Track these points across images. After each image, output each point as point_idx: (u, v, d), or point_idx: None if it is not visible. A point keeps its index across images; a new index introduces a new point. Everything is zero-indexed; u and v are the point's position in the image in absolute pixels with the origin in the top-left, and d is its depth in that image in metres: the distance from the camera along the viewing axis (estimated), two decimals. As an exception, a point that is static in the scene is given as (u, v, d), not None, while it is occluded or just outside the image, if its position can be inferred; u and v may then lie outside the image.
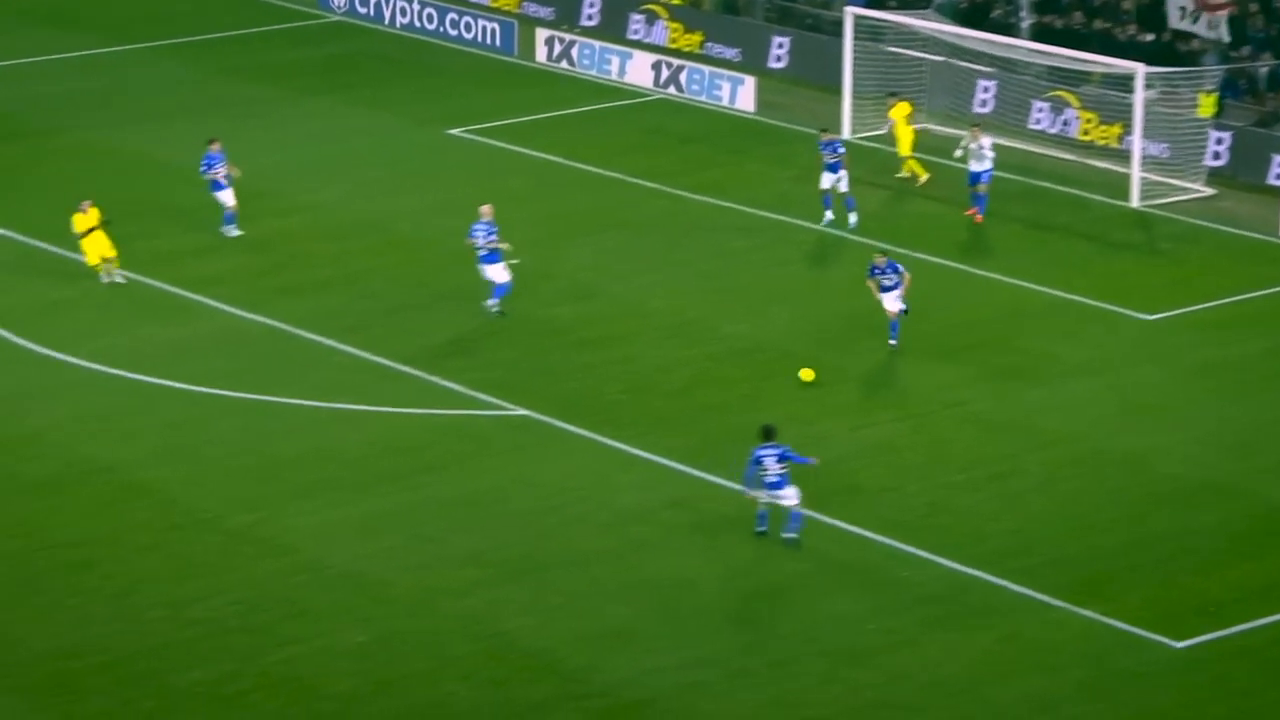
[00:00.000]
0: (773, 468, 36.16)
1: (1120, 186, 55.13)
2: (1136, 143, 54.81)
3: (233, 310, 47.01)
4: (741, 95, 62.57)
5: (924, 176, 55.47)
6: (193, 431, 41.09)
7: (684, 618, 34.58)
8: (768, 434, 36.56)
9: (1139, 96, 54.84)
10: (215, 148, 50.63)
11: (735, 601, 35.14)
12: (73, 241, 47.69)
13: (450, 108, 62.27)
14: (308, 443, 40.57)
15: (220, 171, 50.50)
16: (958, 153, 52.85)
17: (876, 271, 44.49)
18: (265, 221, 52.35)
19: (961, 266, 50.13)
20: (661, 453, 40.23)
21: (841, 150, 51.78)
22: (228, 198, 50.62)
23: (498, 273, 46.73)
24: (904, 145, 55.95)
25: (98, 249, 47.17)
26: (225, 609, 34.64)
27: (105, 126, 60.41)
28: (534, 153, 58.32)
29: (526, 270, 48.78)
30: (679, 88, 63.95)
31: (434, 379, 43.37)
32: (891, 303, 44.38)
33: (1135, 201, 54.70)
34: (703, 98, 63.38)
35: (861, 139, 58.24)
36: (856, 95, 59.25)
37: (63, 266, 49.18)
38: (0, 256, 50.18)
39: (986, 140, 52.37)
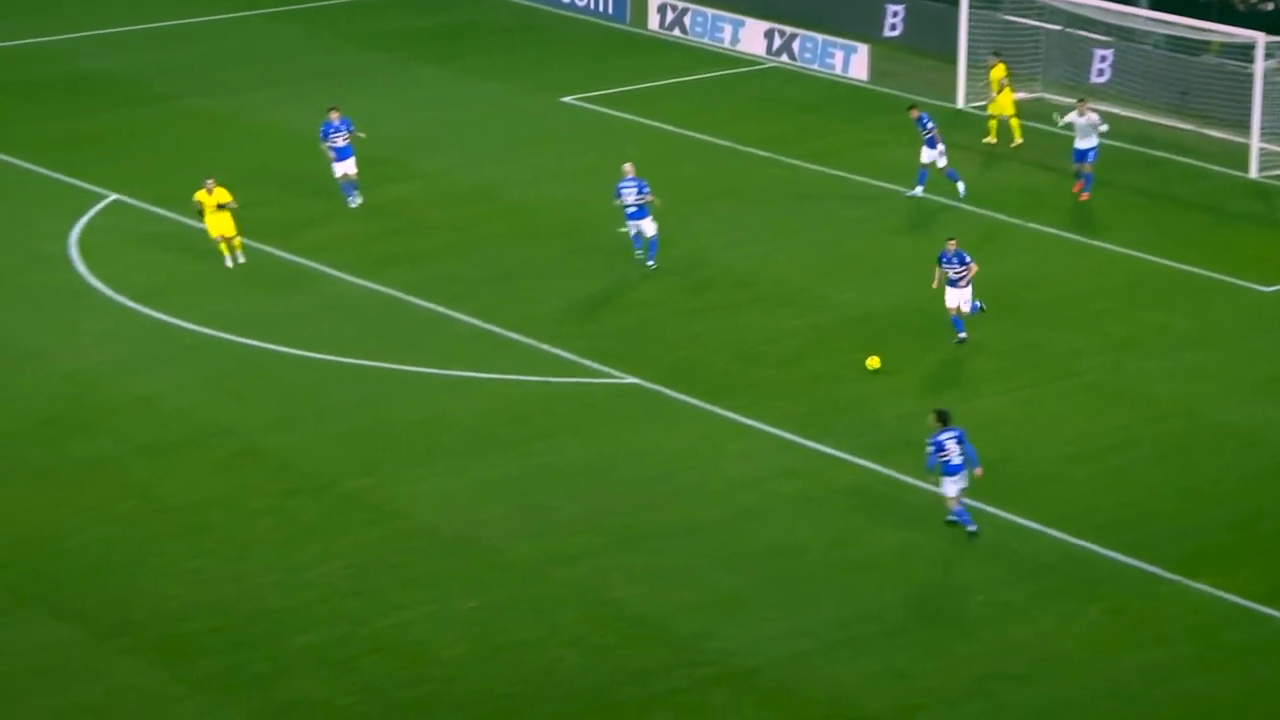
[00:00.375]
0: (954, 450, 35.49)
1: (1239, 157, 54.74)
2: (1256, 112, 54.34)
3: (348, 278, 47.30)
4: (855, 64, 62.46)
5: (1018, 139, 55.66)
6: (308, 397, 41.42)
7: (793, 586, 34.64)
8: (944, 418, 35.72)
9: (1259, 65, 54.41)
10: (334, 116, 50.83)
11: (844, 571, 35.16)
12: (192, 208, 48.01)
13: (563, 75, 62.44)
14: (421, 409, 40.81)
15: (339, 140, 50.65)
16: (1060, 120, 52.45)
17: (945, 259, 43.37)
18: (380, 188, 52.63)
19: (1076, 237, 49.90)
20: (770, 421, 40.26)
21: (931, 125, 51.63)
22: (348, 166, 50.80)
23: (648, 226, 47.29)
24: (1004, 106, 55.89)
25: (219, 227, 47.07)
26: (338, 573, 34.93)
27: (224, 93, 60.94)
28: (646, 121, 58.39)
29: (629, 238, 48.86)
30: (792, 56, 63.88)
31: (545, 347, 43.54)
32: (953, 298, 43.25)
33: (1254, 172, 54.30)
34: (815, 66, 63.31)
35: (975, 108, 58.02)
36: (971, 64, 59.01)
37: (181, 233, 49.59)
38: (120, 222, 50.64)
39: (1095, 116, 51.89)
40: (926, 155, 51.71)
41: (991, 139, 56.19)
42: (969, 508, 35.74)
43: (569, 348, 43.46)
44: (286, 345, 43.65)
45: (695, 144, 56.73)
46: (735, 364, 42.95)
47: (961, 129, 57.34)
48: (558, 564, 35.27)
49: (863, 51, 62.54)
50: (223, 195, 46.58)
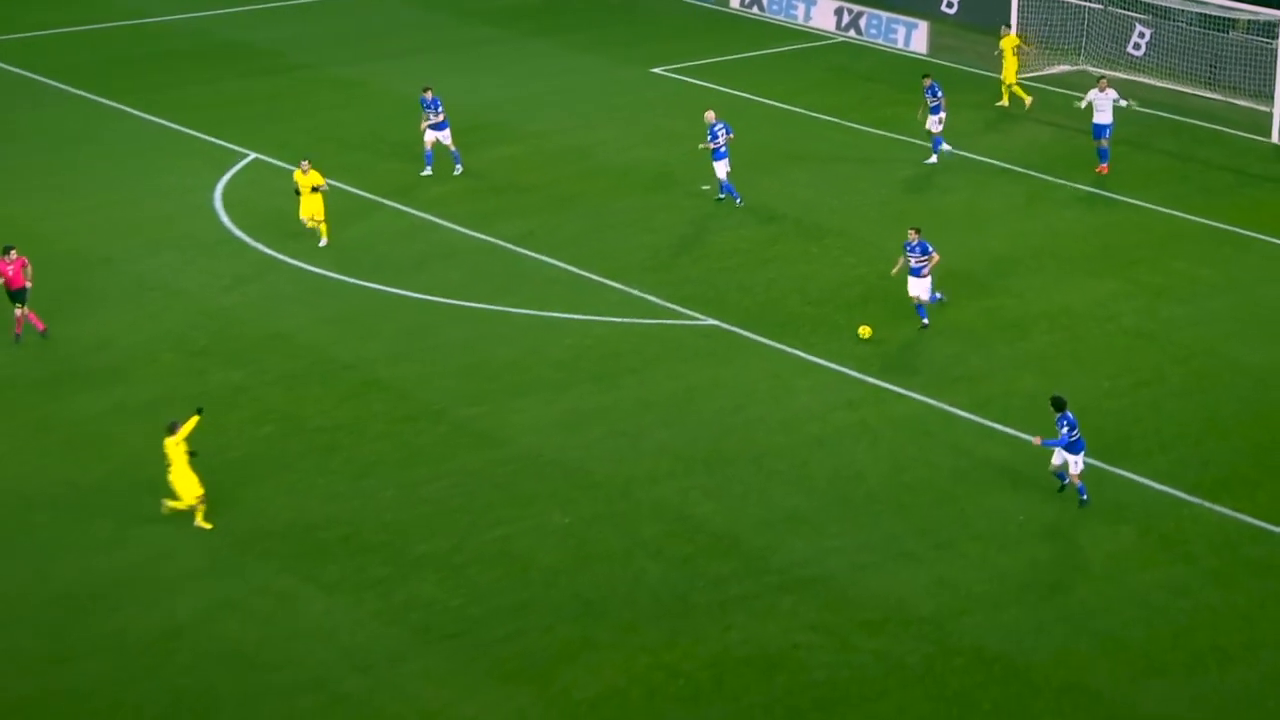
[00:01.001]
0: (1064, 433, 34.37)
1: (1262, 124, 54.38)
2: (1279, 84, 53.93)
3: (459, 229, 47.49)
4: (915, 38, 62.20)
5: (1028, 100, 55.50)
6: (424, 335, 41.65)
7: (854, 506, 34.73)
8: (1060, 404, 34.31)
9: (1281, 42, 54.12)
10: (429, 95, 50.82)
11: (900, 492, 35.21)
12: (318, 163, 48.05)
13: (654, 49, 62.39)
14: (523, 346, 41.00)
15: (435, 115, 50.43)
16: (1080, 104, 51.77)
17: (908, 248, 41.14)
18: (489, 149, 52.80)
19: (1114, 195, 49.63)
20: (834, 360, 40.28)
21: (940, 94, 51.26)
22: (444, 136, 50.72)
23: (722, 168, 47.64)
24: (1009, 73, 55.71)
25: (309, 209, 45.70)
26: (449, 491, 35.21)
27: (353, 63, 61.15)
28: (727, 89, 58.29)
29: (712, 196, 48.91)
30: (858, 31, 63.65)
31: (633, 291, 43.64)
32: (914, 287, 41.13)
33: (1275, 137, 53.93)
34: (879, 41, 63.07)
35: (1025, 79, 57.68)
36: (1022, 38, 58.62)
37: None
38: (259, 177, 50.96)
39: (1113, 93, 51.05)
40: (934, 124, 51.36)
41: (1004, 102, 56.01)
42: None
43: (655, 292, 43.56)
44: (404, 289, 43.89)
45: (770, 111, 56.63)
46: (804, 308, 42.95)
47: (1013, 98, 57.03)
48: (642, 484, 35.45)
49: (922, 28, 62.27)
50: (316, 178, 45.42)
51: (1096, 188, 49.91)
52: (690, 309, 42.75)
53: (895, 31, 62.73)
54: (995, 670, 30.06)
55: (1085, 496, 34.46)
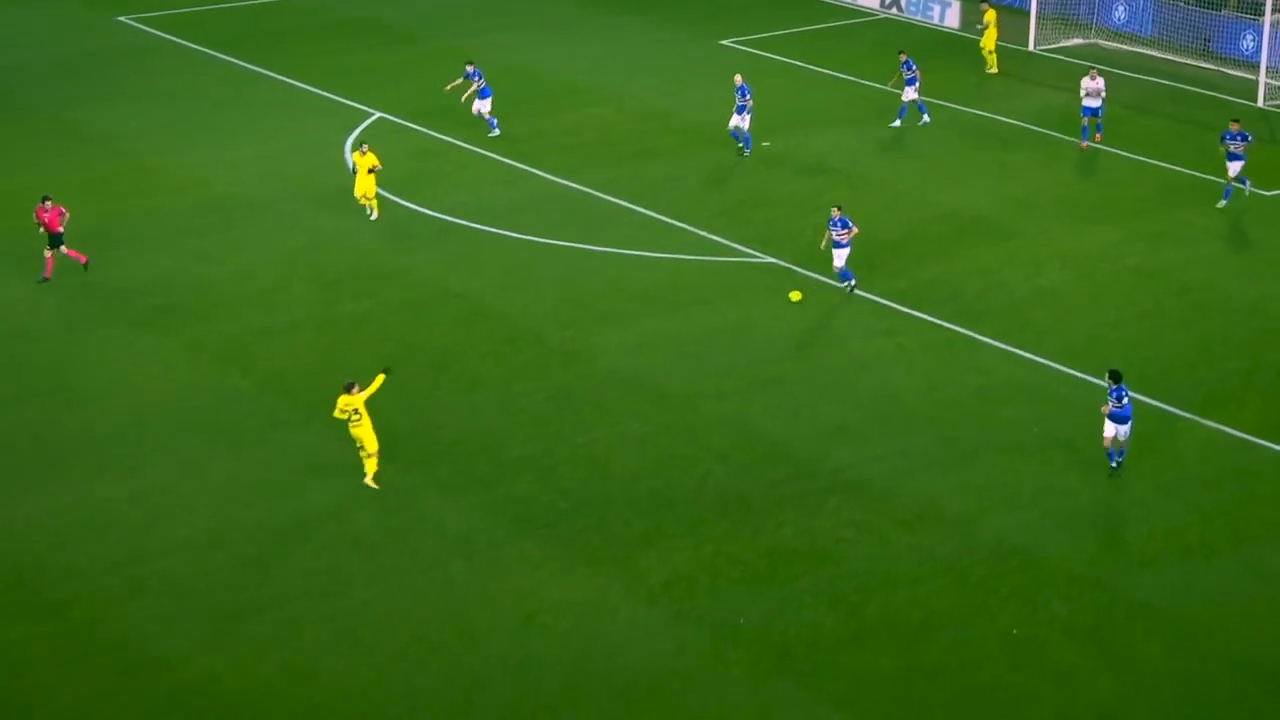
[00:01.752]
0: (1123, 401, 32.04)
1: (1249, 90, 53.49)
2: (1264, 55, 53.07)
3: (553, 178, 47.26)
4: (949, 15, 61.37)
5: (993, 69, 54.94)
6: (523, 270, 41.48)
7: (892, 419, 34.45)
8: (1117, 377, 31.94)
9: (1267, 18, 52.99)
10: (470, 68, 50.22)
11: (932, 408, 34.88)
12: (434, 121, 47.98)
13: (724, 24, 61.79)
14: (608, 280, 40.77)
15: (478, 83, 49.85)
16: (1083, 93, 49.25)
17: (831, 223, 39.29)
18: (581, 110, 52.49)
19: (1119, 151, 48.91)
20: (877, 293, 39.90)
21: (915, 68, 50.32)
22: (484, 105, 50.07)
23: (744, 121, 47.46)
24: (989, 41, 55.15)
25: (362, 187, 43.40)
26: (543, 403, 35.10)
27: (464, 36, 60.68)
28: (785, 59, 57.76)
29: (775, 151, 48.50)
30: (899, 8, 62.84)
31: (703, 233, 43.34)
32: (839, 258, 39.25)
33: (1261, 102, 53.03)
34: (918, 17, 62.24)
35: (1043, 50, 56.88)
36: (1041, 15, 57.97)
37: (428, 142, 49.75)
38: (382, 133, 50.84)
39: (1101, 81, 49.00)
40: (908, 94, 50.51)
41: (993, 69, 55.30)
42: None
43: (721, 234, 43.24)
44: (507, 230, 43.73)
45: (822, 77, 56.03)
46: (851, 248, 42.48)
47: (1032, 67, 56.34)
48: (709, 399, 35.24)
49: (955, 6, 61.41)
50: (373, 160, 43.23)
51: (1105, 146, 49.13)
52: (752, 248, 42.41)
53: (932, 9, 61.89)
54: (1013, 562, 29.77)
55: (1116, 465, 32.14)
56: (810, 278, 40.74)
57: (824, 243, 39.96)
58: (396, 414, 34.53)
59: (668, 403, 35.08)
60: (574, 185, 46.73)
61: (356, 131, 50.73)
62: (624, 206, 45.30)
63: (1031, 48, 58.17)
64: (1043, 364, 36.27)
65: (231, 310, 39.25)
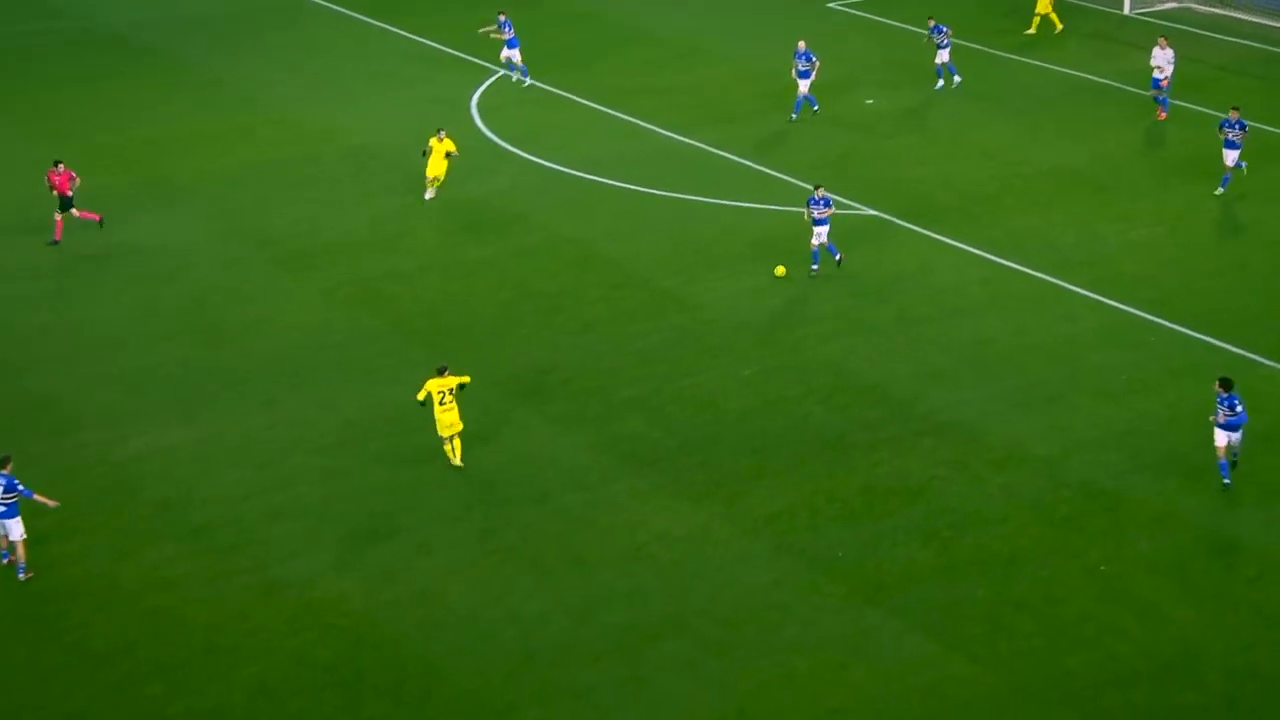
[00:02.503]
0: (1235, 410, 29.68)
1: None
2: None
3: (666, 133, 47.11)
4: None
5: (1059, 27, 53.64)
6: (634, 218, 41.45)
7: (984, 364, 34.15)
8: (1228, 385, 29.45)
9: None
10: (502, 16, 50.16)
11: (1022, 353, 34.54)
12: (555, 77, 47.91)
13: (830, -13, 61.35)
14: (716, 229, 40.65)
15: (508, 33, 49.82)
16: (1152, 62, 47.68)
17: (812, 202, 37.60)
18: (695, 71, 52.27)
19: (1211, 111, 47.91)
20: (972, 244, 39.52)
21: (945, 30, 49.41)
22: (514, 55, 50.07)
23: (805, 86, 46.94)
24: (1044, 5, 54.37)
25: (435, 169, 41.58)
26: (653, 344, 35.08)
27: (592, 3, 60.59)
28: (887, 20, 57.11)
29: (878, 109, 48.06)
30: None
31: (808, 186, 42.82)
32: (817, 236, 37.52)
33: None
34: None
35: (1138, 14, 55.86)
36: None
37: (549, 98, 49.72)
38: (506, 89, 50.92)
39: (1171, 52, 47.23)
40: (941, 57, 49.59)
41: (1031, 30, 54.41)
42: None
43: (827, 188, 42.79)
44: (620, 180, 43.69)
45: (915, 38, 55.27)
46: (949, 200, 42.17)
47: (1127, 29, 55.36)
48: (812, 343, 35.10)
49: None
50: (449, 145, 41.43)
51: (1194, 104, 48.23)
52: (854, 200, 42.10)
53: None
54: (1099, 501, 29.48)
55: (1229, 480, 29.51)
56: (910, 229, 40.42)
57: (807, 217, 37.96)
58: (513, 353, 34.70)
59: (772, 346, 34.96)
60: (687, 140, 46.55)
61: (483, 86, 50.81)
62: (734, 161, 45.09)
63: (1126, 11, 57.18)
64: (1132, 313, 35.80)
65: (363, 254, 39.55)
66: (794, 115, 47.13)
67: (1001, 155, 45.02)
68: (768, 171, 44.10)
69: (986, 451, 30.94)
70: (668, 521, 29.06)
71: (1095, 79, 50.82)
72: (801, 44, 47.55)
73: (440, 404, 30.24)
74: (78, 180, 39.60)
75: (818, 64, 47.14)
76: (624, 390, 33.23)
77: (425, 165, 41.81)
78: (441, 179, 41.97)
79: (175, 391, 33.37)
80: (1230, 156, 41.56)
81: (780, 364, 34.23)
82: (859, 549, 28.23)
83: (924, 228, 40.42)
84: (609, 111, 48.60)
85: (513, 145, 45.93)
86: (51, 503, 27.62)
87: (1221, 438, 29.57)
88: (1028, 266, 38.27)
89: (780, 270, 37.81)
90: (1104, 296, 36.76)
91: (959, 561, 27.92)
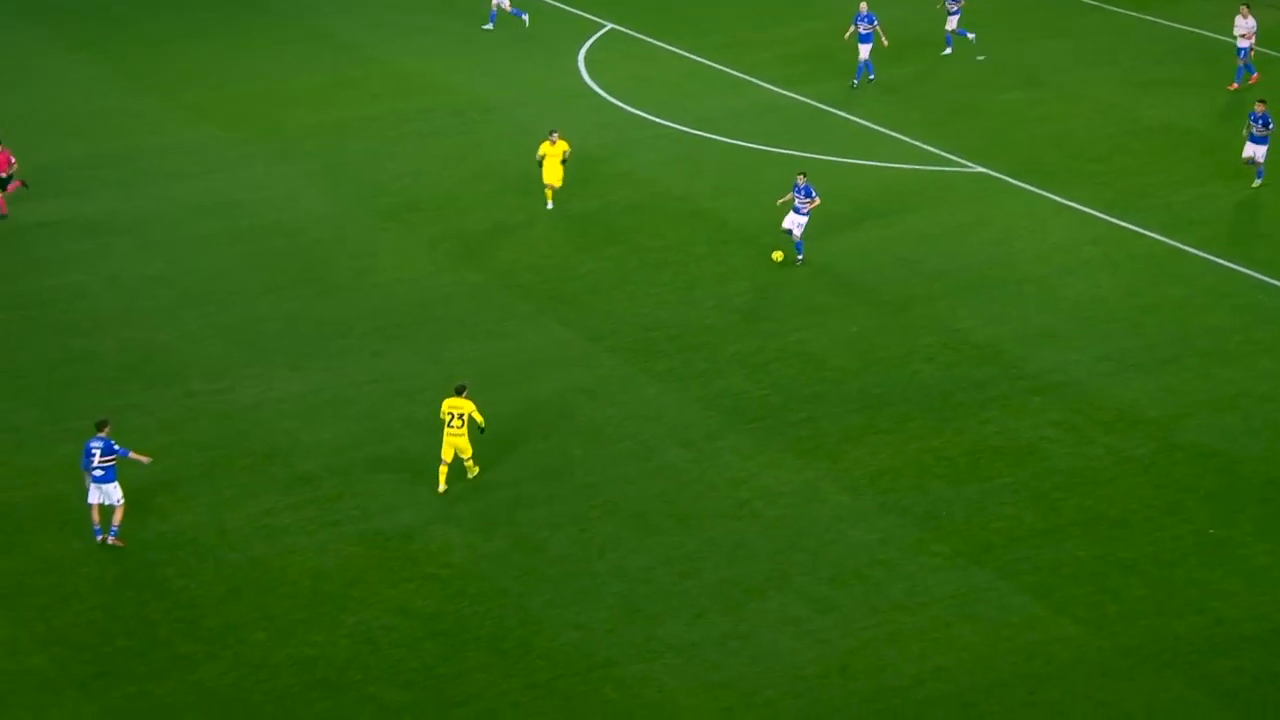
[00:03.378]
0: None
1: None
2: None
3: (773, 88, 46.70)
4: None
5: None
6: (741, 174, 41.12)
7: (1095, 324, 33.62)
8: None
9: None
10: None
11: (1133, 314, 33.96)
12: (664, 32, 47.46)
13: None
14: (824, 187, 39.88)
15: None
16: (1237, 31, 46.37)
17: (796, 189, 35.91)
18: (799, 24, 51.76)
19: None
20: (1084, 202, 38.88)
21: (956, 8, 48.23)
22: (504, 1, 50.49)
23: (866, 50, 46.00)
24: None
25: (551, 176, 38.70)
26: (757, 301, 34.82)
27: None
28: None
29: (988, 65, 47.35)
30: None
31: (916, 143, 42.55)
32: (789, 220, 35.78)
33: None
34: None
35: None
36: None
37: (656, 53, 49.40)
38: (614, 44, 50.61)
39: (1254, 20, 45.83)
40: (950, 23, 48.56)
41: None
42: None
43: (933, 144, 42.42)
44: (727, 136, 43.35)
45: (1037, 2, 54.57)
46: (1060, 159, 41.51)
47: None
48: (919, 301, 34.69)
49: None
50: (564, 146, 38.54)
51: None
52: (963, 158, 41.53)
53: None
54: (1211, 464, 28.93)
55: None
56: (1020, 187, 39.79)
57: (781, 200, 36.60)
58: (620, 309, 34.55)
59: (879, 305, 34.59)
60: (793, 95, 46.11)
61: (590, 41, 50.57)
62: (841, 116, 44.61)
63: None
64: (1246, 274, 35.05)
65: (468, 207, 39.51)
66: (855, 81, 46.11)
67: (1111, 113, 44.25)
68: (875, 128, 43.58)
69: (1096, 413, 30.43)
70: (772, 478, 28.83)
71: (1209, 34, 49.75)
72: (864, 4, 46.68)
73: (449, 425, 28.10)
74: (15, 164, 38.53)
75: (878, 26, 46.20)
76: (729, 347, 33.00)
77: (540, 173, 38.80)
78: (558, 184, 38.73)
79: (281, 342, 33.52)
80: (1259, 152, 39.06)
81: (887, 322, 33.85)
82: (965, 508, 27.88)
83: (1034, 185, 39.81)
84: (713, 65, 48.22)
85: (619, 99, 45.68)
86: (145, 459, 27.69)
87: None
88: (1140, 226, 37.59)
89: (778, 256, 35.89)
90: (1217, 256, 36.02)
91: (1066, 522, 27.51)
